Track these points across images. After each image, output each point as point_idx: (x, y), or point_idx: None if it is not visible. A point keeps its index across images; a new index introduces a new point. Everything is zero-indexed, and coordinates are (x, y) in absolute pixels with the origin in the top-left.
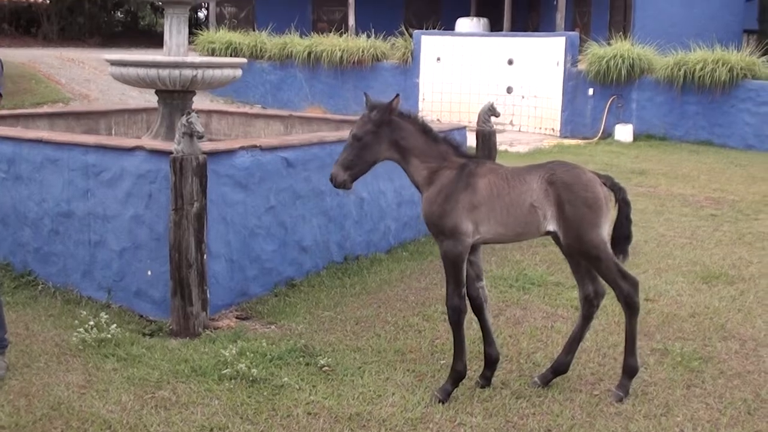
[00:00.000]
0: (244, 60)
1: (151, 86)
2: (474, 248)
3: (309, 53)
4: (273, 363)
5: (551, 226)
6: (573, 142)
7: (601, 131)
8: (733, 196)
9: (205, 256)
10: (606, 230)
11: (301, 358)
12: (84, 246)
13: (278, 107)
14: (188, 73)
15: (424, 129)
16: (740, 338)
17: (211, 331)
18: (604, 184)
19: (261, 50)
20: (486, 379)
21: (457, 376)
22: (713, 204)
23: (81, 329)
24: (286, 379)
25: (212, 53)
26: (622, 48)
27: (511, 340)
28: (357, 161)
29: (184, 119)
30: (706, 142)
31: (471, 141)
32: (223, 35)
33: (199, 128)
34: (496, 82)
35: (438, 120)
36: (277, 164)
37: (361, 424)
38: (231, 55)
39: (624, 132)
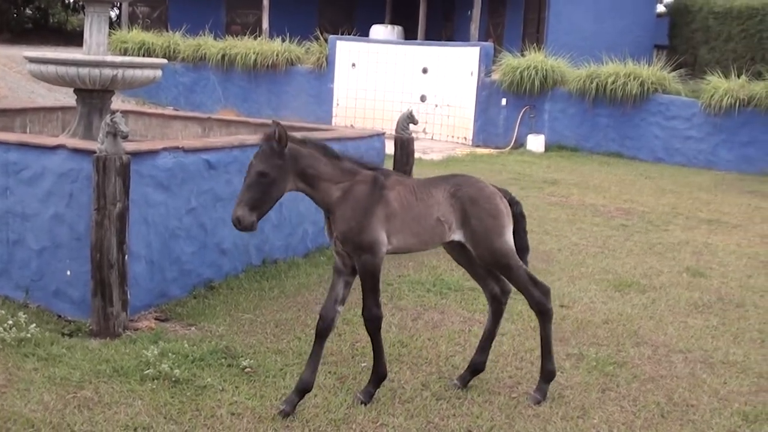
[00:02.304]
0: (164, 60)
1: (70, 85)
2: (354, 271)
3: (223, 56)
4: (195, 364)
5: (455, 236)
6: (485, 151)
7: (513, 141)
8: (643, 207)
9: (126, 257)
10: (511, 239)
11: (222, 360)
12: (1, 245)
13: (191, 109)
14: (108, 72)
15: (326, 150)
16: (652, 344)
17: (132, 332)
18: (504, 197)
19: (174, 51)
20: (292, 406)
21: (379, 378)
22: (624, 214)
23: None
24: (209, 379)
25: (125, 53)
26: (535, 59)
27: (429, 343)
28: (265, 199)
29: (108, 119)
30: (617, 154)
31: (389, 148)
32: (136, 35)
33: (124, 128)
34: (411, 90)
35: (351, 126)
36: (198, 166)
37: (284, 424)
38: (144, 56)
39: (536, 142)
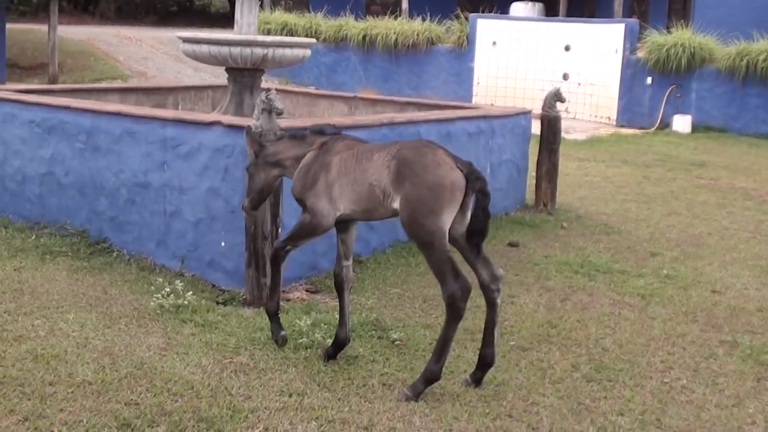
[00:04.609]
0: (313, 40)
1: (222, 63)
2: (346, 228)
3: (364, 36)
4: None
5: (396, 204)
6: (630, 131)
7: (658, 121)
8: None
9: (279, 230)
10: (447, 219)
11: (373, 332)
12: (159, 216)
13: (332, 89)
14: (259, 51)
15: (290, 136)
16: None
17: (284, 303)
18: (460, 170)
19: (316, 32)
20: (327, 356)
21: (269, 314)
22: None
23: (158, 295)
24: (360, 350)
25: (267, 34)
26: (682, 36)
27: (578, 325)
28: (249, 189)
29: (263, 95)
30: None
31: (536, 126)
32: (278, 16)
33: (279, 105)
34: (552, 68)
35: (492, 104)
36: None
37: (435, 398)
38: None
39: (682, 123)
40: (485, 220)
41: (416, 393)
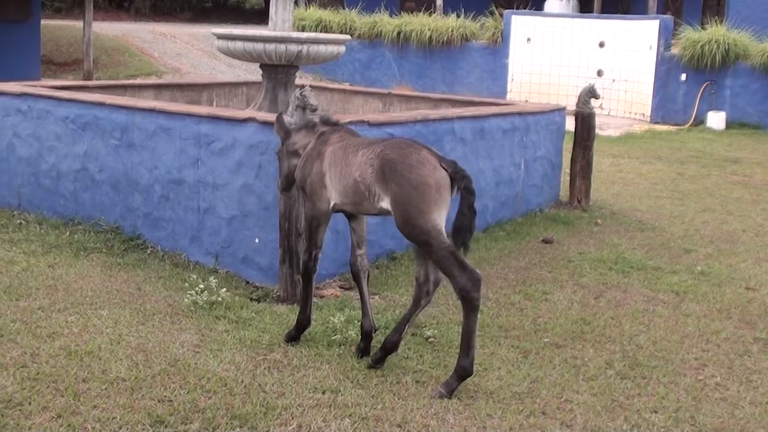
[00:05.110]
0: (347, 36)
1: (257, 60)
2: (356, 216)
3: (398, 33)
4: (380, 332)
5: (384, 204)
6: (664, 127)
7: (692, 118)
8: None
9: None
10: (438, 217)
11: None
12: (193, 212)
13: (366, 86)
14: (294, 48)
15: (305, 127)
16: None
17: (318, 299)
18: (445, 169)
19: (350, 28)
20: (360, 351)
21: (299, 326)
22: None
23: (192, 292)
24: None
25: (302, 30)
26: (717, 33)
27: (612, 322)
28: (280, 173)
29: (298, 92)
30: None
31: (570, 123)
32: (313, 12)
33: (313, 101)
34: (587, 64)
35: (526, 101)
36: None
37: (469, 395)
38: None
39: (716, 119)
40: (471, 218)
41: (450, 390)
